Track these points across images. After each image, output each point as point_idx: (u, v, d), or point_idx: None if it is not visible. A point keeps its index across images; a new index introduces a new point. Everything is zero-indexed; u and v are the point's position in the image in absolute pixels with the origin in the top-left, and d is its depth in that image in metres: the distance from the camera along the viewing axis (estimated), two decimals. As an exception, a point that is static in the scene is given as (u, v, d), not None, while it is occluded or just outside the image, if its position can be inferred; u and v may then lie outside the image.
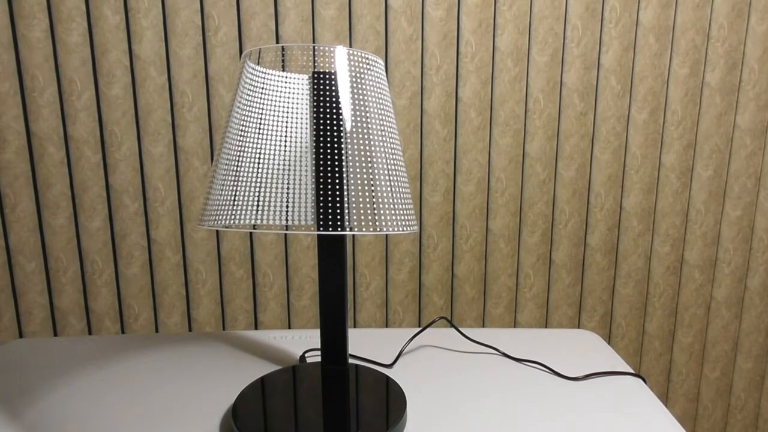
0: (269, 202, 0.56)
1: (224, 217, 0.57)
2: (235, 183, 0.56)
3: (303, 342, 0.88)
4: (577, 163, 1.53)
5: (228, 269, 1.53)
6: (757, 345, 1.69)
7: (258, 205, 0.56)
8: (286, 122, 0.57)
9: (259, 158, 0.56)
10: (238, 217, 0.56)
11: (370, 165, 0.57)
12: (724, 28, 1.50)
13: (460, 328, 0.88)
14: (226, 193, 0.57)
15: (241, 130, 0.57)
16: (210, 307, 1.55)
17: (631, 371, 0.79)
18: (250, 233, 1.51)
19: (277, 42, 1.42)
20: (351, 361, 0.79)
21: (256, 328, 1.58)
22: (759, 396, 1.75)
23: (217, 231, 1.50)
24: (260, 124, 0.57)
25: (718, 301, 1.65)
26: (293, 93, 0.58)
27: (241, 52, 1.42)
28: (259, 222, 0.56)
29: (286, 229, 0.57)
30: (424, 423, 0.63)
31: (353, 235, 1.53)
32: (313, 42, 1.43)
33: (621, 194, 1.57)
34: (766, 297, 1.65)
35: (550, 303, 1.64)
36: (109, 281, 1.49)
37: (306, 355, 0.81)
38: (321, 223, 0.55)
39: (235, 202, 0.56)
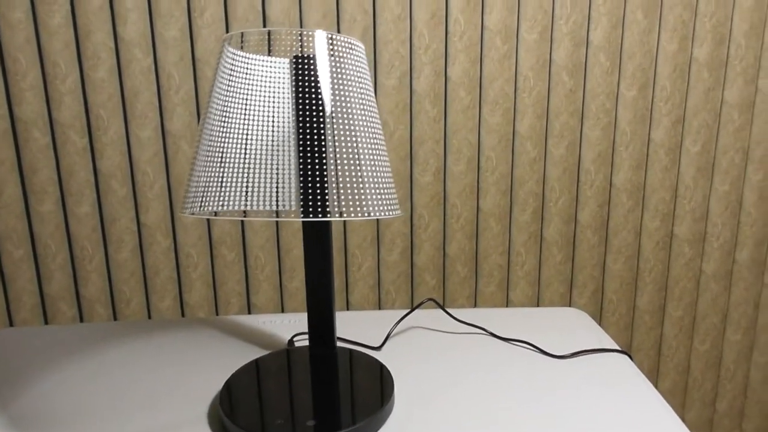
0: (257, 187, 0.55)
1: (211, 203, 0.56)
2: (221, 169, 0.56)
3: (293, 326, 0.88)
4: (567, 141, 1.53)
5: (219, 252, 1.52)
6: (746, 317, 1.71)
7: (247, 191, 0.55)
8: (270, 107, 0.56)
9: (246, 143, 0.56)
10: (226, 203, 0.56)
11: (352, 149, 0.57)
12: (711, 3, 1.49)
13: (449, 309, 0.89)
14: (212, 179, 0.56)
15: (224, 115, 0.57)
16: (202, 290, 1.55)
17: (618, 348, 0.80)
18: (241, 216, 1.50)
19: (264, 23, 1.40)
20: (339, 344, 0.80)
21: (249, 311, 1.58)
22: (748, 367, 1.78)
23: (207, 214, 1.49)
24: (245, 108, 0.56)
25: (708, 275, 1.67)
26: (275, 77, 0.57)
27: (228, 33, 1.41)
28: (248, 208, 0.56)
29: (277, 216, 0.57)
30: (412, 404, 0.63)
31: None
32: (300, 23, 1.41)
33: (611, 171, 1.57)
34: (755, 269, 1.67)
35: (541, 280, 1.65)
36: (99, 266, 1.49)
37: (294, 339, 0.81)
38: (304, 209, 0.55)
39: (223, 188, 0.56)
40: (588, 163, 1.55)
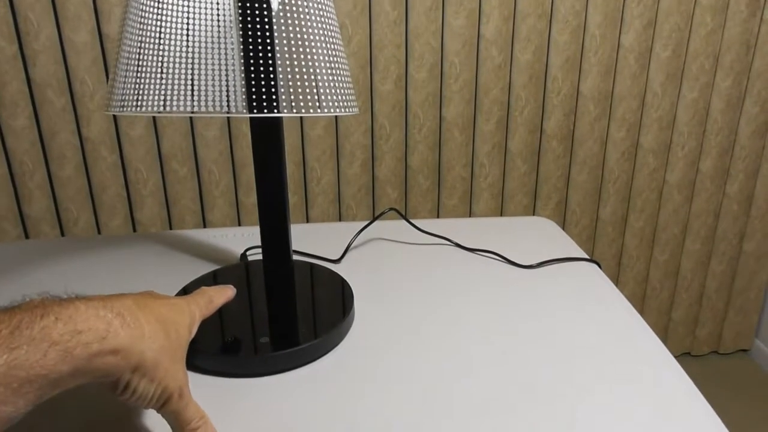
0: (202, 81, 0.48)
1: (150, 101, 0.49)
2: (159, 63, 0.48)
3: (246, 239, 0.83)
4: (534, 46, 1.46)
5: (170, 168, 1.44)
6: (706, 227, 1.72)
7: (192, 86, 0.48)
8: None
9: (188, 32, 0.48)
10: (168, 101, 0.49)
11: (303, 37, 0.50)
12: None
13: (412, 220, 0.85)
14: (150, 74, 0.49)
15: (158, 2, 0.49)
16: (154, 208, 1.47)
17: (586, 257, 0.77)
18: (191, 130, 1.42)
19: None
20: (296, 257, 0.75)
21: (204, 228, 1.52)
22: (704, 275, 1.81)
23: (156, 127, 1.40)
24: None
25: (671, 185, 1.66)
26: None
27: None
28: (194, 107, 0.49)
29: (228, 112, 0.50)
30: (373, 318, 0.60)
31: (301, 129, 1.46)
32: None
33: (578, 78, 1.52)
34: (717, 179, 1.66)
35: (505, 192, 1.62)
36: (42, 184, 1.40)
37: (248, 252, 0.76)
38: (250, 104, 0.49)
39: (164, 84, 0.49)
40: (555, 70, 1.49)
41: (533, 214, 1.64)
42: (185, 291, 0.62)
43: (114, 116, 1.38)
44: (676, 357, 1.88)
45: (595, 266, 0.76)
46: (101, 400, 0.46)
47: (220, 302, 0.48)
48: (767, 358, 1.88)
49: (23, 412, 0.28)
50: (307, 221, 1.55)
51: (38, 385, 0.28)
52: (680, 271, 1.80)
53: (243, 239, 0.84)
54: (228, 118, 1.41)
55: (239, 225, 1.53)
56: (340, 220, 1.57)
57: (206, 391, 0.43)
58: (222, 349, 0.51)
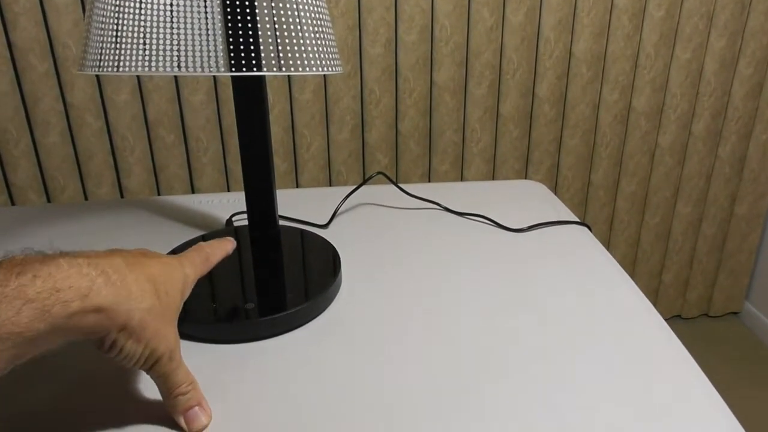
0: (184, 41, 0.47)
1: (133, 61, 0.47)
2: (139, 21, 0.47)
3: (232, 205, 0.81)
4: (526, 6, 1.43)
5: (157, 134, 1.42)
6: (697, 189, 1.72)
7: (176, 48, 0.47)
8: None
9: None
10: (149, 61, 0.47)
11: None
12: None
13: (401, 185, 0.84)
14: (131, 33, 0.47)
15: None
16: (142, 175, 1.46)
17: (577, 220, 0.76)
18: (178, 96, 1.39)
19: None
20: (282, 222, 0.74)
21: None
22: (695, 238, 1.81)
23: (141, 93, 1.37)
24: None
25: (663, 148, 1.65)
26: None
27: None
28: (180, 70, 0.47)
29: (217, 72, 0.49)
30: (360, 284, 0.59)
31: (290, 93, 1.43)
32: None
33: (571, 39, 1.49)
34: (709, 141, 1.65)
35: (497, 157, 1.60)
36: (27, 151, 1.38)
37: (233, 218, 0.75)
38: (233, 63, 0.47)
39: (146, 44, 0.47)
40: (548, 31, 1.46)
41: (525, 179, 1.63)
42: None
43: (98, 81, 1.35)
44: (666, 319, 1.89)
45: (586, 229, 0.75)
46: (94, 360, 0.45)
47: (217, 258, 0.46)
48: (757, 321, 1.90)
49: (4, 370, 0.28)
50: (297, 187, 1.54)
51: (12, 343, 0.27)
52: (671, 234, 1.80)
53: (230, 205, 0.82)
54: (215, 83, 1.38)
55: (228, 191, 1.52)
56: (330, 186, 1.55)
57: (194, 358, 0.42)
58: (209, 316, 0.50)
